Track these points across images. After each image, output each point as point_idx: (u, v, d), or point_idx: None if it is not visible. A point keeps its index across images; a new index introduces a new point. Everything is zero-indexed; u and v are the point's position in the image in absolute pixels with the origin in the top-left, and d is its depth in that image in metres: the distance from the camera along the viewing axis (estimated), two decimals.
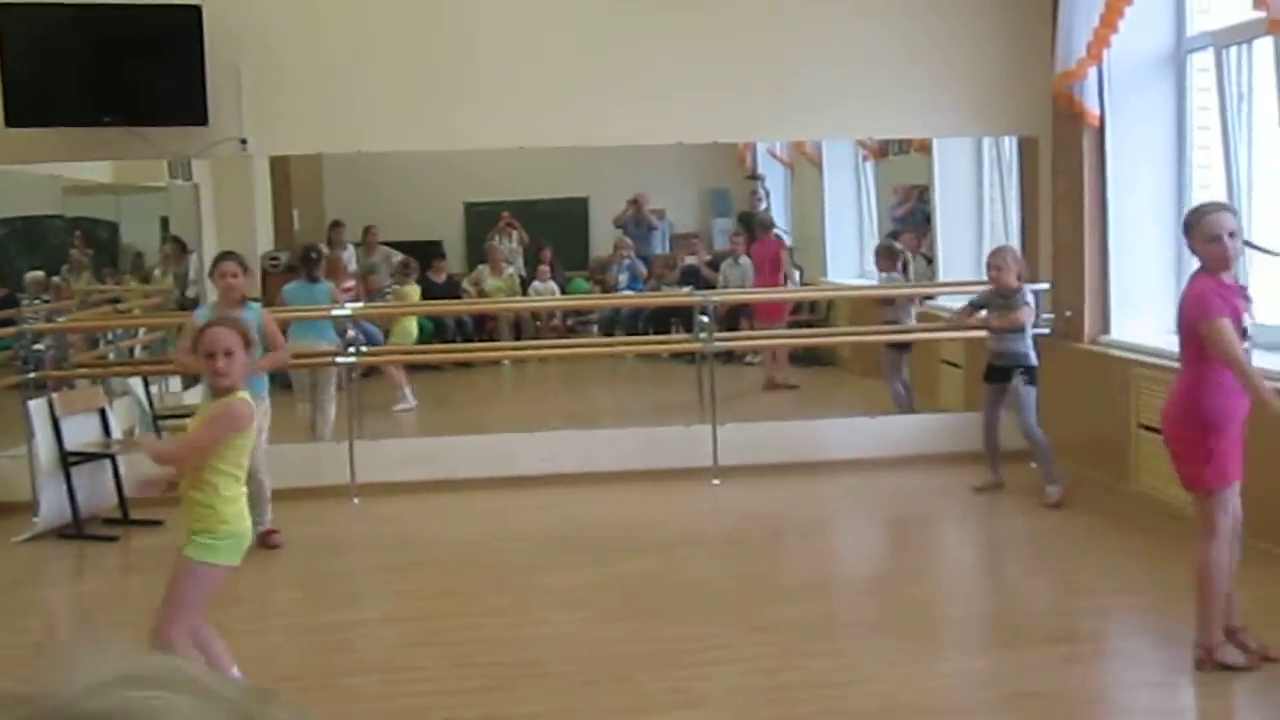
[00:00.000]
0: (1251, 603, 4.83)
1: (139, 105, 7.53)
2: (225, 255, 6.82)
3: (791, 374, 11.21)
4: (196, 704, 0.63)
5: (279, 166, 11.97)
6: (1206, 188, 7.60)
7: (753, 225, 12.06)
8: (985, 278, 7.65)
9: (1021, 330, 7.41)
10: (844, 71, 8.29)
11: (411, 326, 11.12)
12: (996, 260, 7.54)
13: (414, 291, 11.34)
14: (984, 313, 7.55)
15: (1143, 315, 7.93)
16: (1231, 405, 4.56)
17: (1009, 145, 9.26)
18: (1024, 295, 7.45)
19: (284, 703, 0.66)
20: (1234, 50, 7.09)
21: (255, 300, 6.85)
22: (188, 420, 10.09)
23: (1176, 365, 6.89)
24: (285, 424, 10.48)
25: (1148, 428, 7.21)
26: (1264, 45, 6.65)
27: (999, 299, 7.46)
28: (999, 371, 7.49)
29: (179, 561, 4.27)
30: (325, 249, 9.71)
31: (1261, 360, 6.51)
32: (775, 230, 11.92)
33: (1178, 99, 7.76)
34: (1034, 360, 7.48)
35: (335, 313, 8.71)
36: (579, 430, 8.77)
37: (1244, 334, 4.54)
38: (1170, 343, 7.46)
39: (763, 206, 13.04)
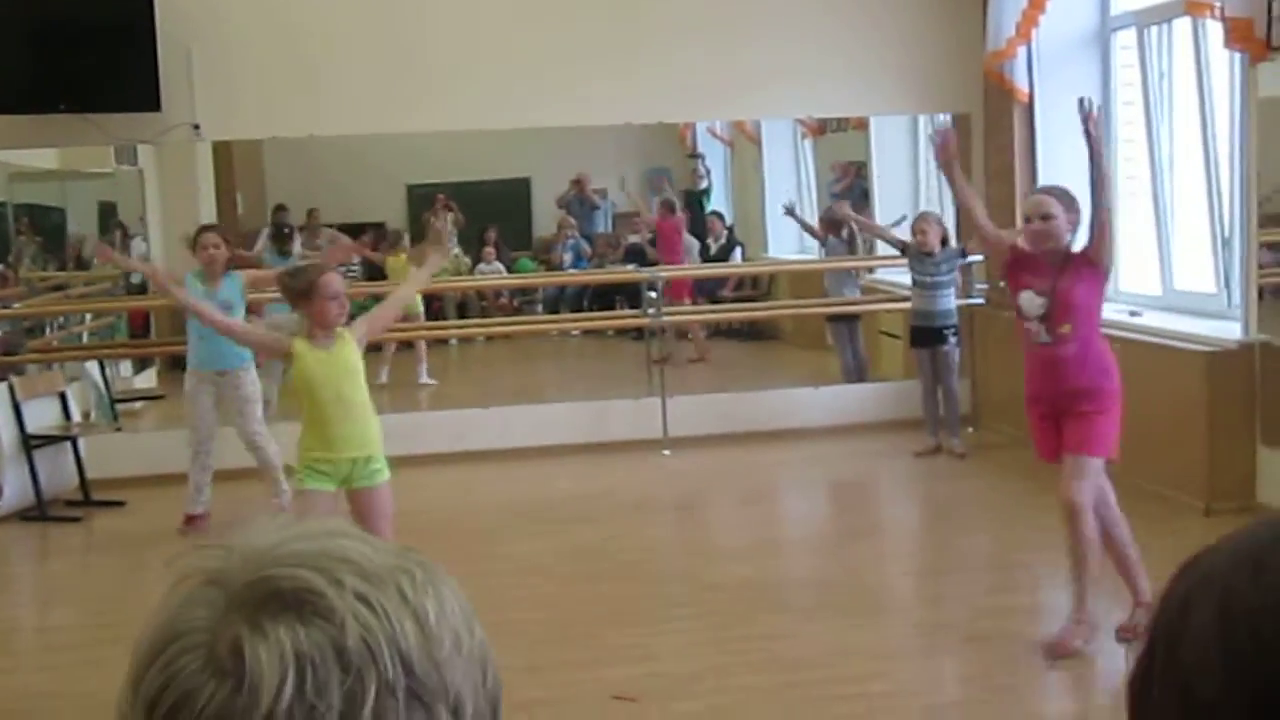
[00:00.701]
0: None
1: (92, 91, 7.57)
2: (206, 228, 6.99)
3: (706, 347, 11.42)
4: (369, 548, 0.80)
5: (222, 151, 11.95)
6: (1130, 160, 7.93)
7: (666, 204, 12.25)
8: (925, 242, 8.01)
9: (948, 290, 7.75)
10: (784, 51, 8.51)
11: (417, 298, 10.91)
12: (921, 224, 7.91)
13: (402, 261, 11.11)
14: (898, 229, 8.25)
15: None
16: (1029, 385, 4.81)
17: (944, 121, 9.53)
18: (948, 254, 7.84)
19: (423, 555, 0.83)
20: (1155, 29, 7.41)
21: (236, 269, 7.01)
22: (139, 404, 10.24)
23: (1107, 331, 7.28)
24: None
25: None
26: (1183, 25, 6.97)
27: (921, 258, 7.87)
28: (931, 333, 7.81)
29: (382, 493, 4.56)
30: (294, 227, 9.77)
31: (1175, 323, 6.91)
32: (678, 210, 12.12)
33: (1103, 76, 8.07)
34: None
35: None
36: (530, 405, 8.98)
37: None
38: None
39: (703, 185, 13.27)
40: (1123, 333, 7.17)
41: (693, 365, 11.06)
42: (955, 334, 7.88)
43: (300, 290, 4.43)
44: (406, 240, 11.60)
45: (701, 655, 4.76)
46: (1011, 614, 5.13)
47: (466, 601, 0.80)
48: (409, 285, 5.26)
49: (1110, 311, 7.63)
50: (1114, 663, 4.54)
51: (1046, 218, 4.67)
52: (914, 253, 7.91)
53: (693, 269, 11.84)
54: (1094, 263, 4.62)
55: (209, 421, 6.92)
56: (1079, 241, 4.72)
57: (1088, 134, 4.64)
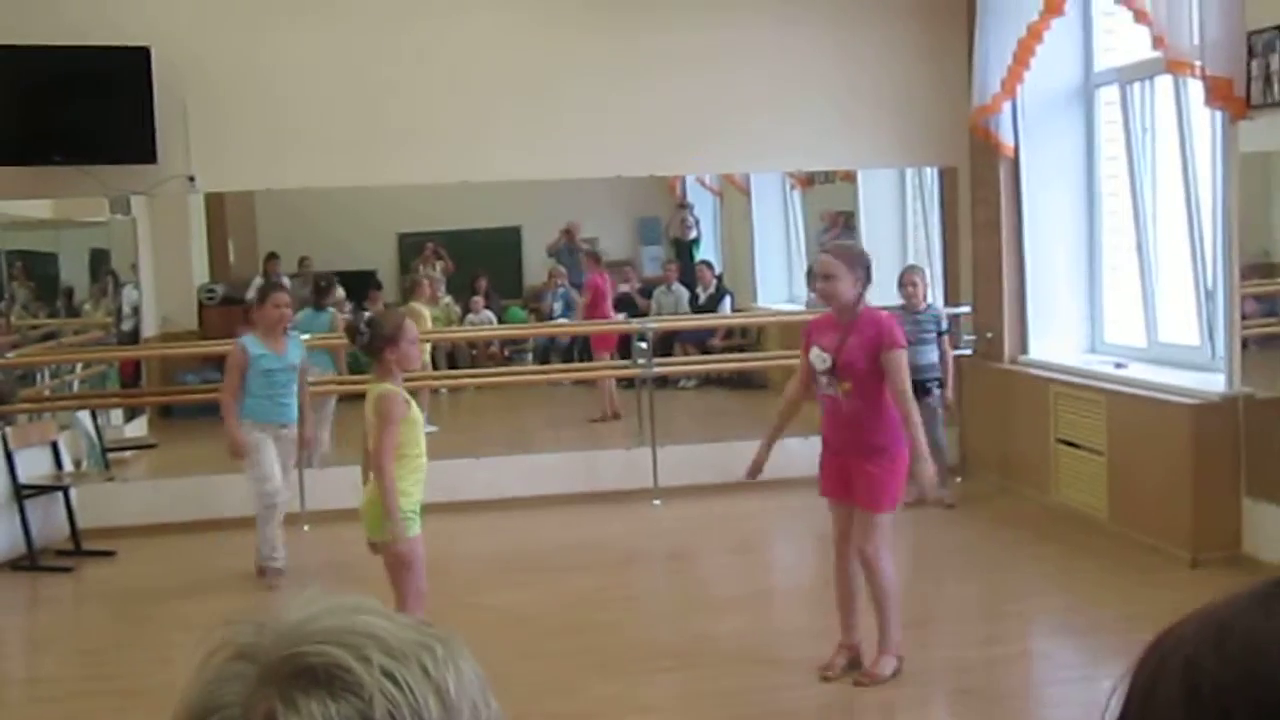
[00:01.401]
0: None
1: (89, 144, 7.65)
2: (276, 286, 7.00)
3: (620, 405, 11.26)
4: (391, 624, 0.83)
5: (213, 200, 12.00)
6: (1115, 214, 8.04)
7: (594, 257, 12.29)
8: (884, 298, 7.94)
9: (933, 343, 7.78)
10: (774, 106, 8.62)
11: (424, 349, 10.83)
12: (913, 276, 7.89)
13: (426, 313, 11.14)
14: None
15: (1058, 335, 8.33)
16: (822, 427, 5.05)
17: (930, 174, 9.64)
18: (935, 314, 7.82)
19: (438, 629, 0.86)
20: (1138, 86, 7.53)
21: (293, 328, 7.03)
22: (130, 453, 10.23)
23: (1093, 383, 7.37)
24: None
25: (1066, 442, 7.60)
26: (1165, 82, 7.09)
27: (908, 317, 7.70)
28: (916, 386, 7.72)
29: None
30: (333, 279, 9.79)
31: (1160, 375, 6.98)
32: (603, 264, 12.16)
33: (1087, 131, 8.19)
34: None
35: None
36: (520, 456, 8.99)
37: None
38: (1086, 361, 7.91)
39: (692, 235, 13.36)
40: (1108, 384, 7.27)
41: (608, 423, 10.97)
42: (939, 386, 7.89)
43: (389, 336, 4.57)
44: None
45: (691, 708, 4.79)
46: (1002, 664, 5.15)
47: (481, 672, 0.84)
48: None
49: (1096, 363, 7.76)
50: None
51: (828, 278, 4.82)
52: (903, 309, 7.84)
53: (684, 319, 11.93)
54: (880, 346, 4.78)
55: (277, 472, 6.84)
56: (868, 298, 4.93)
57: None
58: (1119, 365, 7.51)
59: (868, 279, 4.83)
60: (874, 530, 4.83)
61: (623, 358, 10.43)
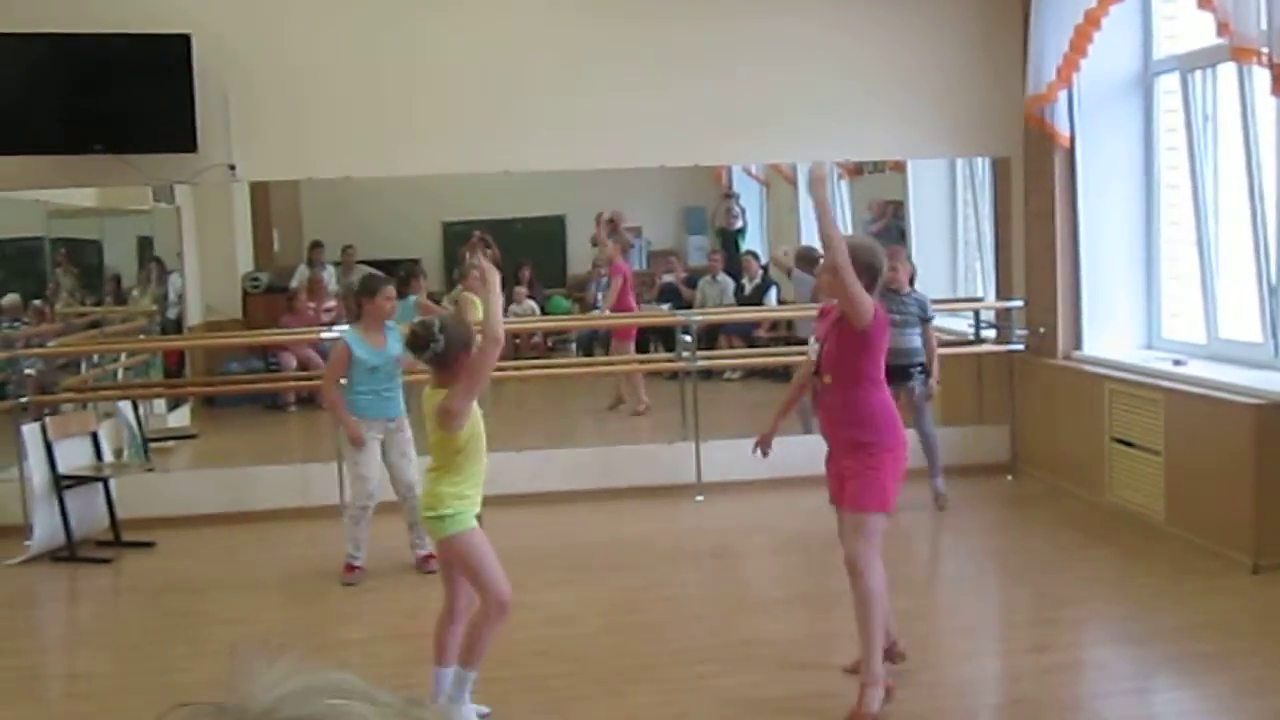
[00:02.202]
0: None
1: (129, 133, 7.60)
2: (384, 279, 6.87)
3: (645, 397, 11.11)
4: (373, 709, 0.72)
5: (259, 188, 12.03)
6: (1174, 206, 7.81)
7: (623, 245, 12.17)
8: (933, 289, 7.73)
9: (914, 326, 7.53)
10: (823, 96, 8.46)
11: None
12: (893, 261, 7.45)
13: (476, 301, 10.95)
14: None
15: (1113, 331, 8.12)
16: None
17: (982, 164, 9.44)
18: (919, 299, 7.59)
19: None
20: (1199, 74, 7.29)
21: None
22: (172, 443, 10.23)
23: (1150, 380, 7.16)
24: (275, 442, 10.59)
25: (1122, 441, 7.39)
26: (1228, 69, 6.86)
27: (889, 294, 7.28)
28: (898, 370, 7.38)
29: None
30: (415, 266, 9.69)
31: (1221, 373, 6.75)
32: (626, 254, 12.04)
33: (1145, 120, 7.96)
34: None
35: (325, 335, 8.79)
36: (563, 449, 8.88)
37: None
38: (1143, 358, 7.70)
39: (738, 224, 13.23)
40: (1166, 382, 7.06)
41: (639, 415, 10.89)
42: (923, 372, 7.60)
43: (466, 342, 4.42)
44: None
45: (736, 716, 4.64)
46: (1053, 674, 4.98)
47: None
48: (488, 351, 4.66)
49: (1153, 360, 7.54)
50: None
51: (828, 271, 4.65)
52: (882, 289, 7.54)
53: (728, 311, 11.80)
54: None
55: (378, 473, 6.68)
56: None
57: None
58: (1178, 362, 7.29)
59: (870, 278, 4.57)
60: (860, 532, 4.56)
61: (667, 349, 10.31)
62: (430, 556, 6.45)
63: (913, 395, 7.54)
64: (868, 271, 4.55)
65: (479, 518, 4.64)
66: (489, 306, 4.62)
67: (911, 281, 7.69)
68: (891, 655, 4.82)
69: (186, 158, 7.74)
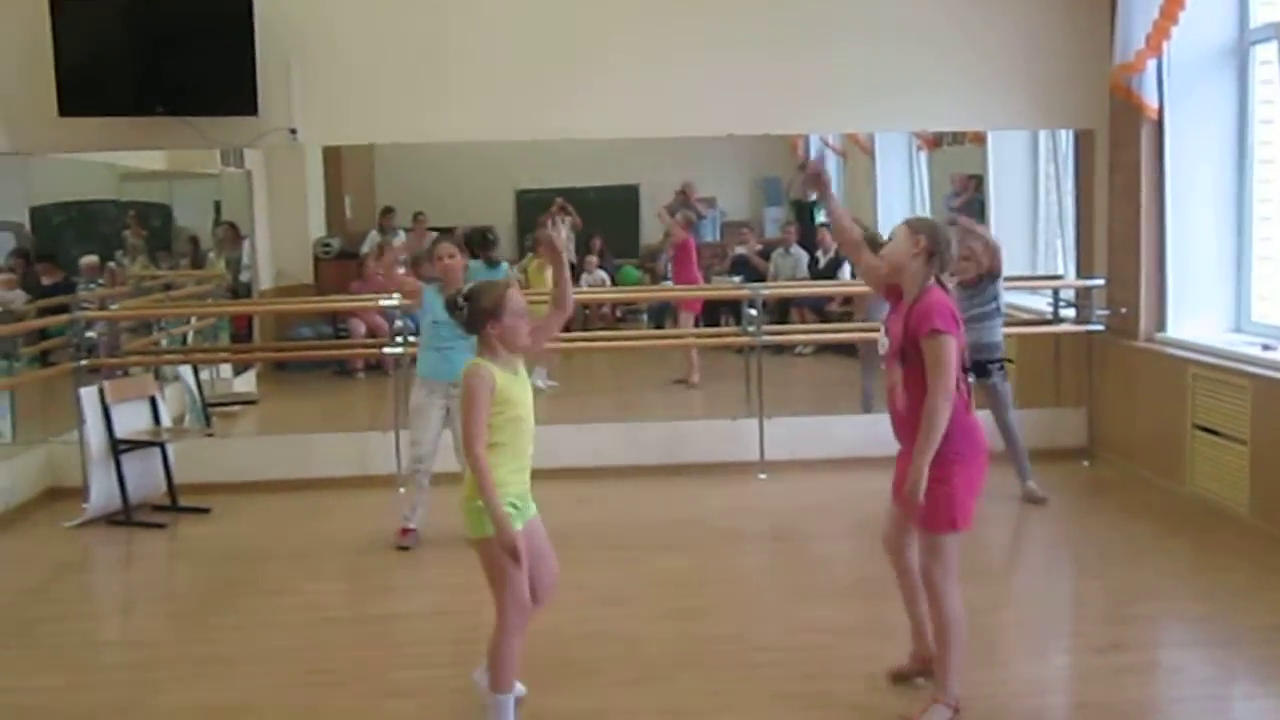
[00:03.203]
0: None
1: (190, 95, 7.57)
2: (442, 237, 6.76)
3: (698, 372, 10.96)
4: None
5: (331, 153, 12.02)
6: (1267, 182, 7.44)
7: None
8: (1012, 266, 7.29)
9: (995, 320, 7.20)
10: (899, 62, 8.18)
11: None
12: (971, 244, 7.02)
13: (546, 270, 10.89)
14: None
15: (1199, 313, 7.77)
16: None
17: (1065, 137, 9.10)
18: (996, 287, 7.20)
19: None
20: None
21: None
22: (236, 409, 10.23)
23: (1237, 365, 6.82)
24: (339, 409, 10.55)
25: (1204, 429, 7.07)
26: None
27: (964, 291, 6.97)
28: (975, 367, 6.92)
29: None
30: (493, 231, 9.60)
31: None
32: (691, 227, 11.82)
33: (1239, 92, 7.58)
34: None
35: (386, 302, 8.69)
36: (625, 423, 8.72)
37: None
38: (1230, 341, 7.35)
39: (813, 197, 12.90)
40: (1254, 367, 6.75)
41: (692, 389, 10.76)
42: (1001, 367, 7.24)
43: (489, 310, 4.15)
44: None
45: (788, 710, 4.46)
46: (1125, 675, 4.73)
47: None
48: (553, 317, 4.53)
49: (1240, 344, 7.19)
50: None
51: (888, 241, 4.38)
52: (959, 283, 7.10)
53: (795, 285, 11.58)
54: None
55: (434, 435, 6.64)
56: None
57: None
58: (1267, 347, 6.95)
59: (932, 256, 4.23)
60: (933, 553, 4.24)
61: (737, 323, 10.10)
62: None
63: (994, 390, 7.22)
64: (931, 246, 4.24)
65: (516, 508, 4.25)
66: (558, 274, 4.43)
67: (991, 273, 7.17)
68: (924, 669, 4.56)
69: (248, 121, 7.68)
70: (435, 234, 12.44)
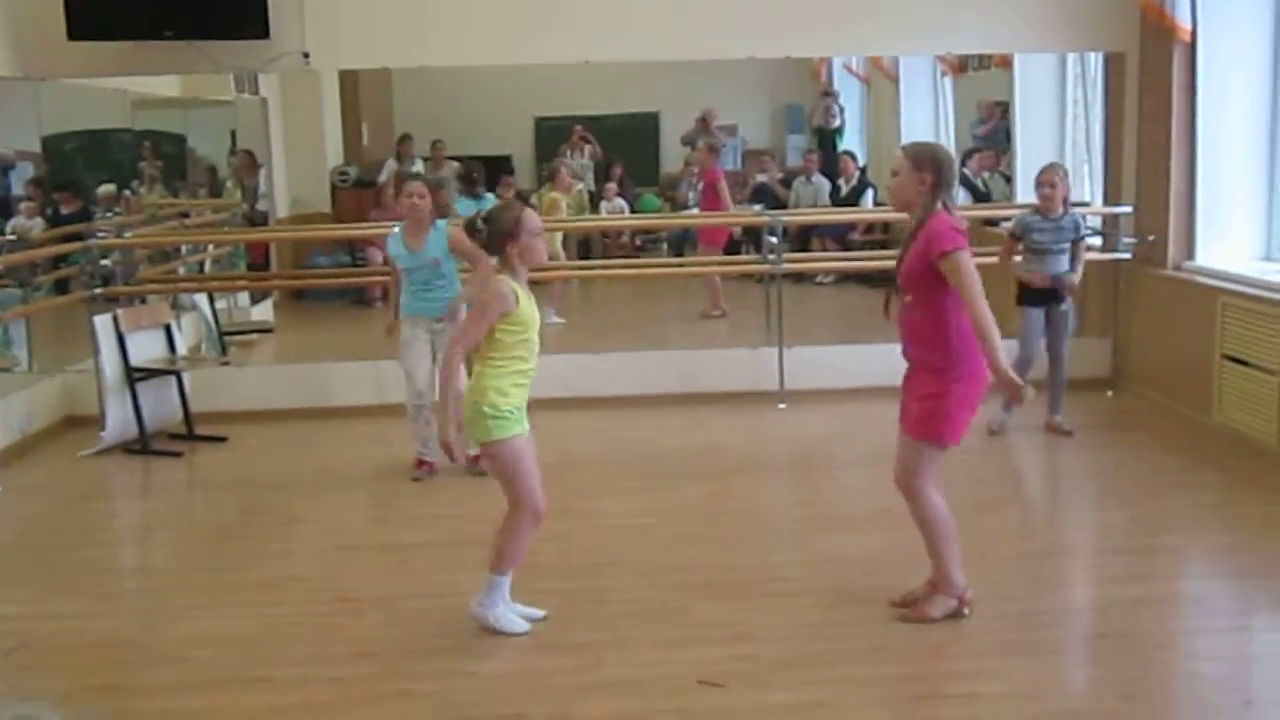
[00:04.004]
0: None
1: (200, 19, 7.47)
2: (410, 176, 6.66)
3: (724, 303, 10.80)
4: None
5: (348, 80, 11.87)
6: None
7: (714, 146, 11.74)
8: (1051, 199, 7.20)
9: (1064, 256, 7.09)
10: None
11: (557, 237, 10.58)
12: (1051, 177, 7.04)
13: (563, 202, 10.85)
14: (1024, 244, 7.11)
15: (1230, 241, 7.62)
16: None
17: (1094, 61, 8.89)
18: (1076, 221, 7.11)
19: None
20: None
21: (442, 219, 6.63)
22: (254, 336, 10.20)
23: (1268, 294, 6.68)
24: (357, 338, 10.49)
25: (1232, 359, 6.95)
26: None
27: (1044, 223, 7.05)
28: (1047, 293, 7.08)
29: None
30: (477, 166, 9.53)
31: None
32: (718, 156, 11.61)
33: (1275, 13, 7.38)
34: None
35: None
36: (644, 352, 8.64)
37: None
38: (1261, 270, 7.20)
39: (836, 123, 12.75)
40: None
41: (716, 320, 10.64)
42: (1072, 295, 7.18)
43: (508, 230, 4.32)
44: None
45: (802, 639, 4.41)
46: (1147, 606, 4.66)
47: None
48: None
49: (1272, 272, 7.08)
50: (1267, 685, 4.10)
51: (892, 174, 4.39)
52: (1034, 222, 7.05)
53: (816, 212, 11.42)
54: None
55: (426, 369, 6.56)
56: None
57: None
58: None
59: (939, 183, 4.28)
60: (915, 459, 4.39)
61: (758, 252, 9.99)
62: (478, 457, 6.26)
63: (1063, 317, 7.13)
64: (937, 176, 4.29)
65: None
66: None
67: (1065, 202, 7.11)
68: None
69: (259, 44, 7.56)
70: (453, 162, 12.37)
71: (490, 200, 9.11)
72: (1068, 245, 7.09)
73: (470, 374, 4.48)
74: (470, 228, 4.42)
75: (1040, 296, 7.09)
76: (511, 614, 4.53)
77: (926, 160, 4.31)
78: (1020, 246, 7.12)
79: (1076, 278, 7.12)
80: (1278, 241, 7.52)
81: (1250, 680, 4.13)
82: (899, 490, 4.51)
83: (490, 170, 11.88)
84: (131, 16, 7.42)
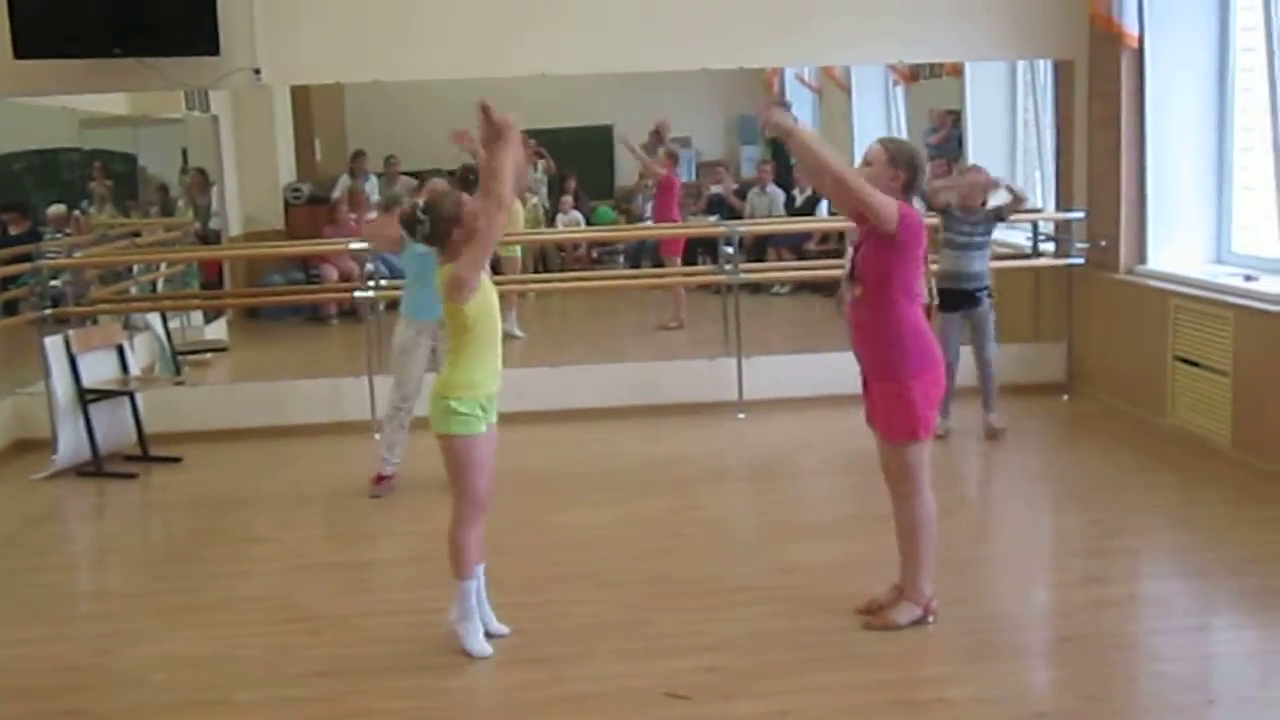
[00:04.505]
0: None
1: (149, 35, 7.36)
2: (432, 175, 6.60)
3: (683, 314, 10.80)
4: None
5: (300, 96, 11.81)
6: (1248, 111, 7.35)
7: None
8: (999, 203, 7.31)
9: (985, 251, 7.15)
10: None
11: (515, 248, 10.56)
12: (976, 175, 7.23)
13: (520, 212, 10.70)
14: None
15: (1180, 244, 7.70)
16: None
17: (1044, 69, 8.97)
18: (998, 210, 7.20)
19: None
20: None
21: None
22: (209, 355, 10.10)
23: (1218, 296, 6.76)
24: (313, 355, 10.42)
25: (1186, 360, 7.03)
26: None
27: (964, 217, 7.11)
28: (966, 296, 7.13)
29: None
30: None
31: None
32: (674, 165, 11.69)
33: (1221, 18, 7.47)
34: None
35: (355, 246, 8.57)
36: (601, 365, 8.63)
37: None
38: (1211, 273, 7.29)
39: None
40: (1235, 298, 6.70)
41: (674, 331, 10.64)
42: (989, 295, 7.23)
43: (451, 216, 4.30)
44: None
45: (768, 649, 4.40)
46: (1106, 608, 4.69)
47: None
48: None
49: (1222, 275, 7.13)
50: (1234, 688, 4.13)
51: (866, 164, 4.39)
52: (953, 209, 7.14)
53: (772, 222, 11.48)
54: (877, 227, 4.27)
55: (418, 376, 6.44)
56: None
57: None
58: (1248, 278, 6.88)
59: (910, 181, 4.33)
60: (903, 462, 4.41)
61: (713, 263, 10.01)
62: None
63: (982, 320, 7.17)
64: (909, 173, 4.33)
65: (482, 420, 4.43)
66: (497, 164, 4.28)
67: (985, 201, 7.23)
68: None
69: (209, 61, 7.49)
70: (406, 178, 12.30)
71: None
72: (985, 243, 7.13)
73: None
74: (412, 222, 4.36)
75: (957, 300, 7.12)
76: (479, 636, 4.45)
77: (904, 158, 4.34)
78: (940, 239, 7.13)
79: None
80: (1227, 244, 7.61)
81: (1212, 679, 4.17)
82: (891, 493, 4.50)
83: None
84: (79, 33, 7.32)
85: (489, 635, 4.51)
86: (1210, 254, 7.67)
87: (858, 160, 4.54)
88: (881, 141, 4.44)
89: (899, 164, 4.32)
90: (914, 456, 4.40)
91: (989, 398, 7.32)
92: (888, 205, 4.19)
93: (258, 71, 7.65)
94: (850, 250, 4.50)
